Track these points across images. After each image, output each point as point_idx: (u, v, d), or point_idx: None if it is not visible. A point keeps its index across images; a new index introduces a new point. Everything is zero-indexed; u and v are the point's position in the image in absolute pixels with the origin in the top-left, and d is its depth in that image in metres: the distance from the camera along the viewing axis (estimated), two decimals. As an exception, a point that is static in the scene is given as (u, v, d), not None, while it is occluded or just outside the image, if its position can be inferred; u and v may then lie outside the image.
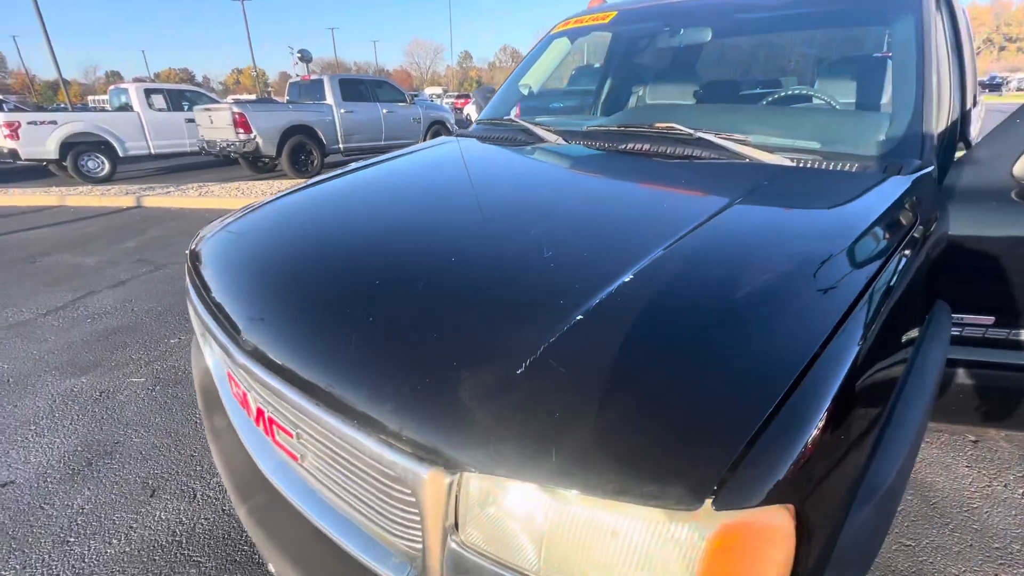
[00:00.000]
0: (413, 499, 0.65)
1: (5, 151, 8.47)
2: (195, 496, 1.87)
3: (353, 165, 1.74)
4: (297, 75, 10.57)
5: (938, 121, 1.23)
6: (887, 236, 0.93)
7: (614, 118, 1.65)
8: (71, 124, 8.73)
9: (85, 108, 15.87)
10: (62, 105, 20.98)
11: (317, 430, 0.76)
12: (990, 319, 1.23)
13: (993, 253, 1.17)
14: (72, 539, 1.70)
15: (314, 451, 0.82)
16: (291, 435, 0.84)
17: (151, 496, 1.87)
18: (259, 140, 8.28)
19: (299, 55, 16.15)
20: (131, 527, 1.74)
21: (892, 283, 0.84)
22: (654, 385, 0.61)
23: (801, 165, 1.22)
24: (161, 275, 4.27)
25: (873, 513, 0.68)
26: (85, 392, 2.55)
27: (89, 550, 1.66)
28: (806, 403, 0.60)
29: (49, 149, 8.56)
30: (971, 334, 1.25)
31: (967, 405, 1.34)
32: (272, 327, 0.87)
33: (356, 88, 9.97)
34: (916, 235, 1.00)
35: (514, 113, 2.10)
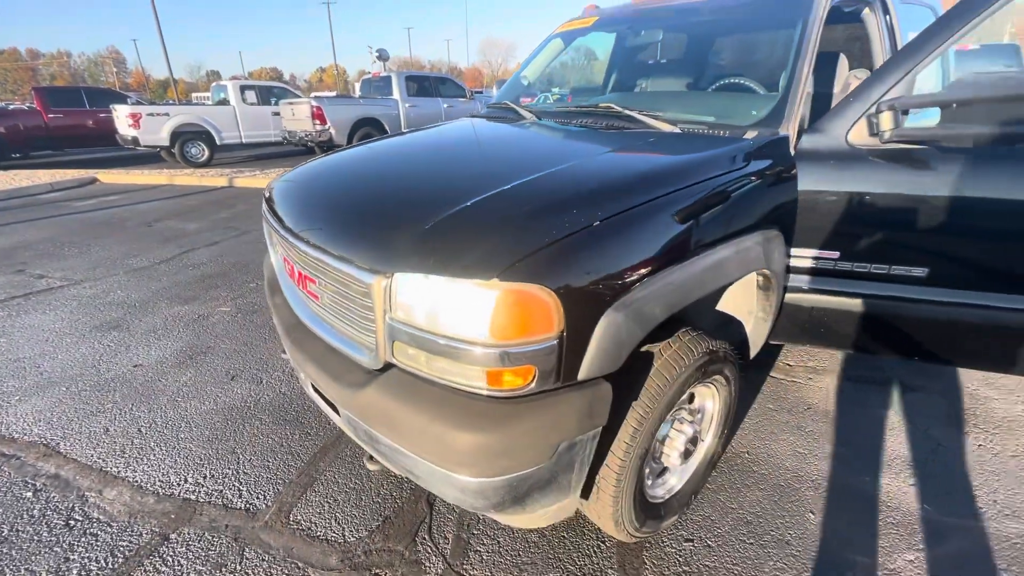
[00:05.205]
0: (370, 301, 1.18)
1: (129, 138, 10.00)
2: (262, 382, 2.53)
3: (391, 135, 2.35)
4: (369, 72, 11.52)
5: (804, 101, 1.60)
6: (715, 172, 1.36)
7: (574, 102, 2.11)
8: (180, 116, 10.13)
9: (189, 103, 17.97)
10: (170, 101, 23.74)
11: (326, 272, 1.32)
12: (835, 254, 1.59)
13: (833, 202, 1.54)
14: (179, 399, 2.40)
15: (327, 291, 1.37)
16: (314, 281, 1.40)
17: (231, 380, 2.56)
18: (332, 131, 9.26)
19: (377, 54, 17.18)
20: (218, 396, 2.42)
21: (714, 190, 1.30)
22: (491, 229, 1.12)
23: (684, 131, 1.64)
24: (246, 238, 5.13)
25: (627, 317, 1.12)
26: (188, 315, 3.33)
27: (191, 406, 2.35)
28: (584, 238, 1.07)
29: (162, 137, 10.00)
30: (816, 266, 1.61)
31: (818, 329, 1.69)
32: (302, 218, 1.45)
33: (421, 84, 10.79)
34: (748, 176, 1.41)
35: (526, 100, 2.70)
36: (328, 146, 9.82)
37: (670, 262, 1.19)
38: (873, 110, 1.45)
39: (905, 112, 1.42)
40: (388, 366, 1.24)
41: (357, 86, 11.78)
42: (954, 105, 1.27)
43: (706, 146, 1.50)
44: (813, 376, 2.46)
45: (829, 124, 1.53)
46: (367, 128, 9.67)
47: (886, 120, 1.43)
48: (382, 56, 17.51)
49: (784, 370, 2.52)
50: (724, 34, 2.19)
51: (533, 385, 1.08)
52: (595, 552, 1.57)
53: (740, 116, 1.67)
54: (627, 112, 1.78)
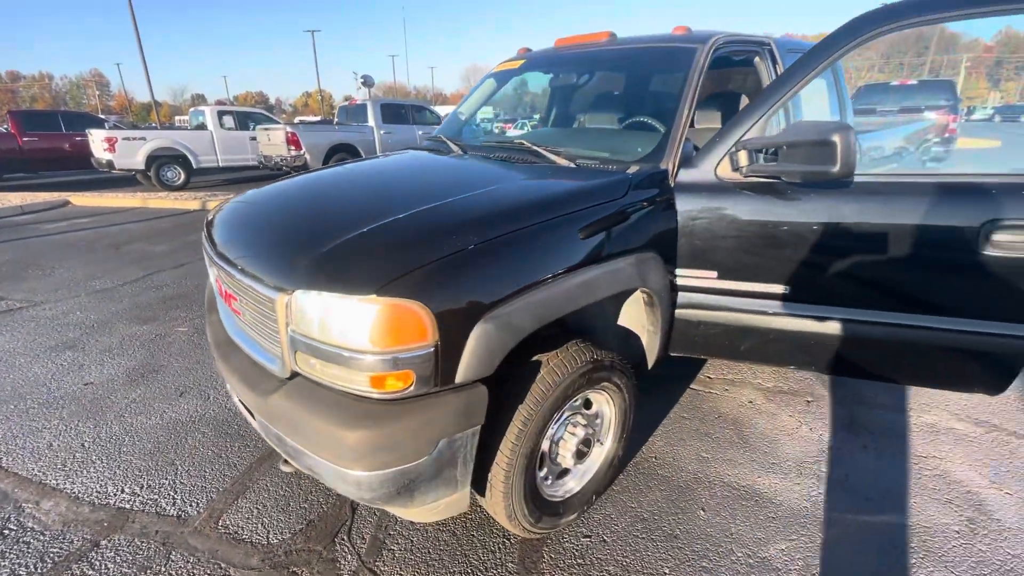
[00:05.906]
0: (276, 316, 1.33)
1: (104, 162, 10.06)
2: (209, 398, 2.63)
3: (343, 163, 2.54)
4: (346, 99, 11.81)
5: (682, 139, 1.81)
6: (592, 202, 1.56)
7: (494, 137, 2.33)
8: (156, 140, 10.24)
9: (172, 127, 18.09)
10: (153, 125, 23.86)
11: (244, 291, 1.47)
12: (713, 274, 1.79)
13: (706, 228, 1.74)
14: (126, 415, 2.49)
15: (247, 308, 1.52)
16: (236, 299, 1.55)
17: (180, 396, 2.66)
18: (307, 156, 9.45)
19: (362, 80, 17.50)
20: (165, 411, 2.52)
21: (590, 219, 1.50)
22: (376, 253, 1.29)
23: (578, 165, 1.85)
24: (212, 261, 5.24)
25: (496, 328, 1.29)
26: (145, 334, 3.42)
27: (137, 420, 2.44)
28: (458, 260, 1.25)
29: (138, 160, 10.06)
30: (699, 285, 1.81)
31: (707, 342, 1.88)
32: (228, 242, 1.60)
33: (397, 112, 11.10)
34: (626, 205, 1.61)
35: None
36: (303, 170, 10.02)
37: (540, 280, 1.37)
38: (734, 149, 1.67)
39: (759, 150, 1.64)
40: (295, 375, 1.39)
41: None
42: (784, 147, 1.49)
43: (589, 178, 1.70)
44: (729, 388, 2.65)
45: (701, 160, 1.75)
46: (342, 154, 9.89)
47: (743, 158, 1.65)
48: (367, 82, 17.83)
49: (704, 382, 2.71)
50: (622, 79, 2.44)
51: (413, 388, 1.23)
52: (499, 548, 1.70)
53: (628, 152, 1.89)
54: (535, 148, 1.99)
